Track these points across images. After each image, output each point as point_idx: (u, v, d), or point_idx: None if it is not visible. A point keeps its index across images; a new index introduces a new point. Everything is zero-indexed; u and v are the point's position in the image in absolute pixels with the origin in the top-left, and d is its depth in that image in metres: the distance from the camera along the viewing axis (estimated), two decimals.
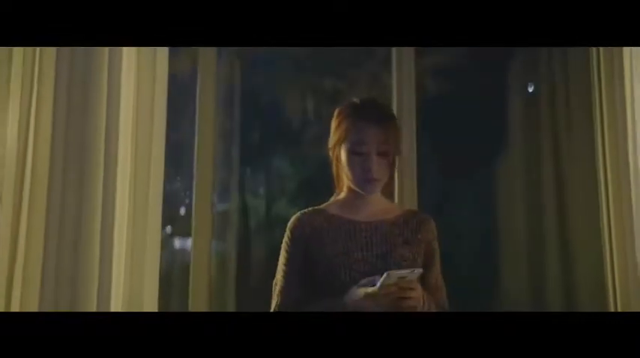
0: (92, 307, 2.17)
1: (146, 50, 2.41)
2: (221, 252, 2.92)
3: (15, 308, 2.19)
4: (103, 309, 2.16)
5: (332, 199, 1.96)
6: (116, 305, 2.26)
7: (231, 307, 2.86)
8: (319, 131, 3.07)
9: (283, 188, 3.30)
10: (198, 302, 2.56)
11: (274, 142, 3.22)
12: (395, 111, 2.76)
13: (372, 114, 1.79)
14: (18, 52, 2.23)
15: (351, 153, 1.79)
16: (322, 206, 1.94)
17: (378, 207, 1.87)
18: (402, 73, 2.88)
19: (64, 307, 2.14)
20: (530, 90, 3.27)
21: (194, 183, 2.64)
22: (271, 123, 3.23)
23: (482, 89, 3.17)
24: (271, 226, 3.10)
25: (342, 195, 1.92)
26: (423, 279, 1.73)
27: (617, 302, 2.72)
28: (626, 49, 2.78)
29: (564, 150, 3.09)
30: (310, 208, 1.92)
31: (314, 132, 3.08)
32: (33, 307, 2.15)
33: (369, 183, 1.79)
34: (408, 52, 2.88)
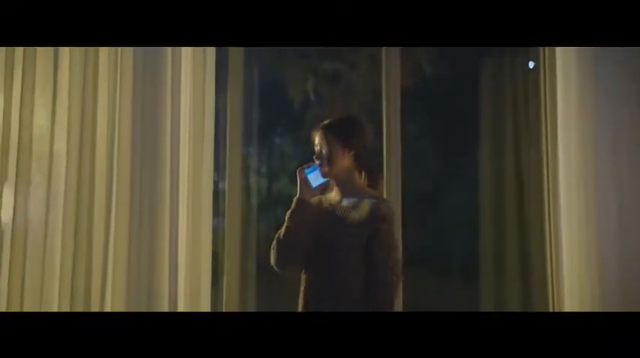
0: (164, 305, 2.61)
1: (197, 50, 2.83)
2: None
3: (107, 308, 2.57)
4: (172, 302, 2.63)
5: None
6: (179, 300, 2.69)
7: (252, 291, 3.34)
8: (320, 112, 3.60)
9: (285, 167, 3.66)
10: (231, 285, 3.00)
11: (276, 123, 3.61)
12: (384, 100, 3.35)
13: (322, 126, 2.40)
14: (104, 51, 2.63)
15: None
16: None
17: (352, 194, 2.40)
18: (389, 69, 3.32)
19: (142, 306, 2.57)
20: (531, 67, 3.63)
21: (226, 170, 3.05)
22: (273, 105, 3.60)
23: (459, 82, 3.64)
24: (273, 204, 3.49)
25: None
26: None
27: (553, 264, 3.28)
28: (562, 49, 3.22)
29: (523, 139, 3.60)
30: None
31: (315, 112, 3.58)
32: (121, 306, 2.55)
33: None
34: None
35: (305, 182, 2.37)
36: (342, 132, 2.36)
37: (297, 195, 2.37)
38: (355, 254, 2.26)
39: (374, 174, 2.46)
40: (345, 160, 2.34)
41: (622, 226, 3.07)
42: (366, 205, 2.31)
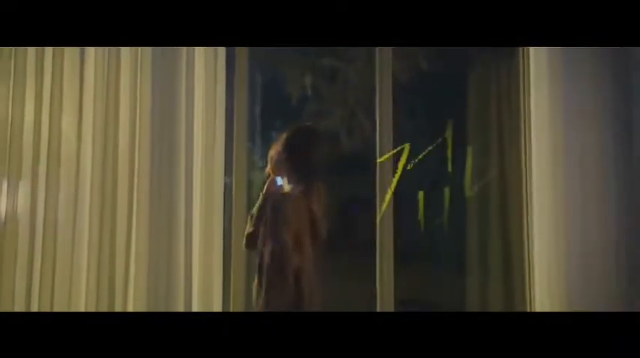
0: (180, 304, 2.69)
1: (208, 50, 2.88)
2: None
3: (129, 307, 2.62)
4: (187, 300, 2.71)
5: None
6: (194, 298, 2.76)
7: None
8: (317, 106, 3.67)
9: None
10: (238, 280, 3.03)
11: (276, 118, 3.68)
12: (377, 96, 3.44)
13: None
14: (125, 50, 2.67)
15: None
16: None
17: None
18: (382, 66, 3.36)
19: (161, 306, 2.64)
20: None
21: (233, 166, 3.07)
22: (272, 99, 3.67)
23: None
24: None
25: None
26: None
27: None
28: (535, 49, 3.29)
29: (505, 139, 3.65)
30: None
31: (312, 107, 3.66)
32: (142, 306, 2.61)
33: None
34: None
35: (273, 181, 2.60)
36: (283, 141, 2.58)
37: (263, 191, 2.61)
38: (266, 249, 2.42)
39: (308, 176, 2.56)
40: (280, 162, 2.55)
41: (586, 229, 3.16)
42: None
